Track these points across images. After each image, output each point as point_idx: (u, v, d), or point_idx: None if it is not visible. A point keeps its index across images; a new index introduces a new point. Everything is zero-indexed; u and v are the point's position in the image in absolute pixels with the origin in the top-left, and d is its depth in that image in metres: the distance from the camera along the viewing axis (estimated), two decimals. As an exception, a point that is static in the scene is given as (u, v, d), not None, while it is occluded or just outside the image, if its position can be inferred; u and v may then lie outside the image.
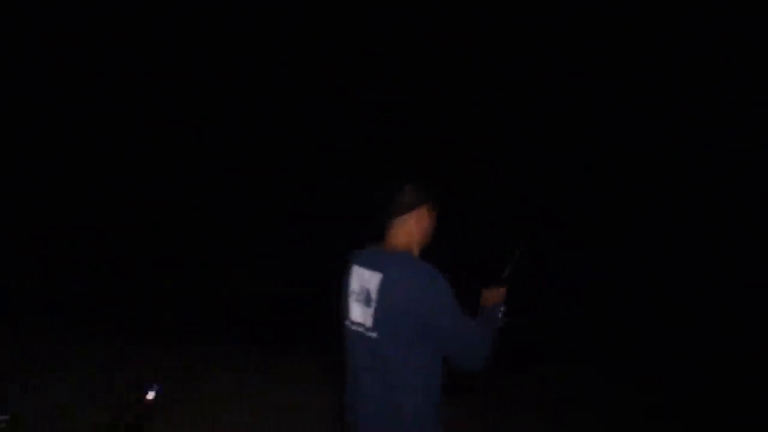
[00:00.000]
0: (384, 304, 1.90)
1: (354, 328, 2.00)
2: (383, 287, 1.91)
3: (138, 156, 7.64)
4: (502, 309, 2.23)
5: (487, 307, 2.17)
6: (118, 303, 8.16)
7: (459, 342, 1.90)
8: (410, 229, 2.03)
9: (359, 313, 1.98)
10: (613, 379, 5.92)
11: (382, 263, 1.95)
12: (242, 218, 8.45)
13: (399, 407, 1.89)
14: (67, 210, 8.72)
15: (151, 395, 3.45)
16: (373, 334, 1.92)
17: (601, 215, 6.62)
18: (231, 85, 7.34)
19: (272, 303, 8.91)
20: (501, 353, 2.09)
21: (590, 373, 6.03)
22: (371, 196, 2.12)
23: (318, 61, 7.18)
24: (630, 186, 6.67)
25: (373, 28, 6.72)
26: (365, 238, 2.16)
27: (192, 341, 6.55)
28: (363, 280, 1.98)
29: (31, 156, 8.28)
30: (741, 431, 4.75)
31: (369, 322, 1.93)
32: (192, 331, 7.10)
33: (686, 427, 4.81)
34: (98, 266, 8.73)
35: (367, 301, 1.95)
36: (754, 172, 5.88)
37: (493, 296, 2.22)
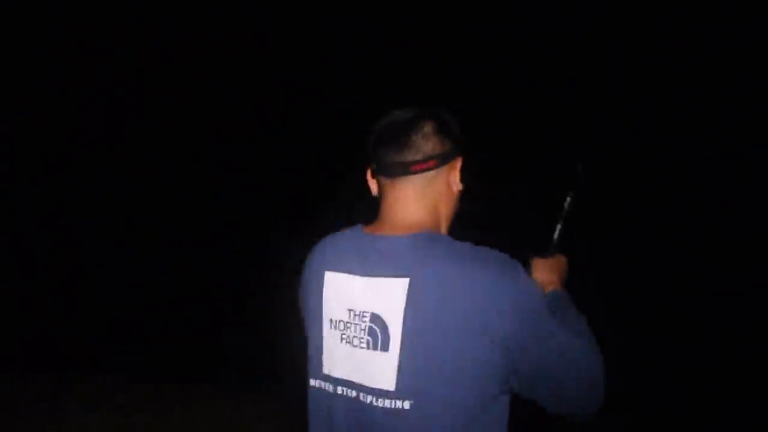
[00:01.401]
0: (418, 338, 1.06)
1: (342, 392, 1.15)
2: (417, 305, 1.06)
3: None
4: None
5: (555, 291, 1.33)
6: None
7: (569, 372, 1.10)
8: (439, 194, 1.19)
9: (355, 365, 1.13)
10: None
11: (398, 258, 1.10)
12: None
13: None
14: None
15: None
16: (398, 404, 1.07)
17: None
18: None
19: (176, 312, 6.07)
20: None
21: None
22: (361, 136, 1.28)
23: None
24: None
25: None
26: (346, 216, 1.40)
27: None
28: (355, 297, 1.13)
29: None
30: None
31: (385, 381, 1.08)
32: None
33: None
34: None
35: (374, 338, 1.10)
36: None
37: (556, 271, 1.39)
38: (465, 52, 6.00)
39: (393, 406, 1.07)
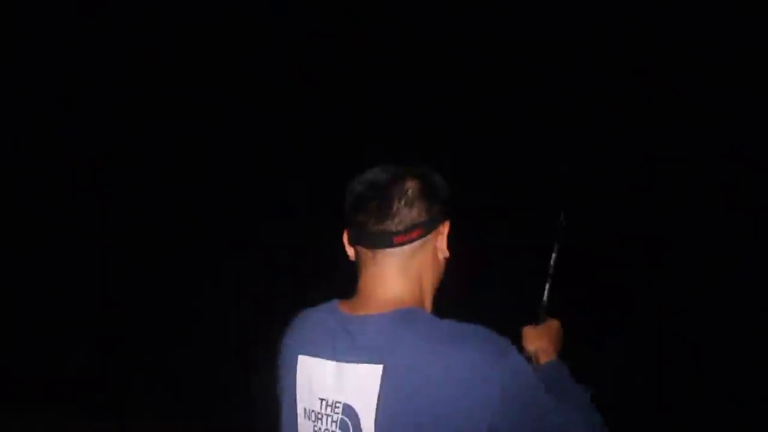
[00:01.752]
0: (395, 427, 0.96)
1: None
2: (392, 396, 0.96)
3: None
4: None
5: (551, 362, 1.25)
6: None
7: None
8: (423, 265, 1.08)
9: None
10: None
11: (372, 342, 1.00)
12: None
13: None
14: None
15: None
16: None
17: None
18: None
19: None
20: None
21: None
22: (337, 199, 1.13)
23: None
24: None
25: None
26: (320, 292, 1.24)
27: None
28: (327, 385, 1.03)
29: None
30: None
31: None
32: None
33: None
34: None
35: (345, 428, 1.00)
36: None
37: (550, 339, 1.30)
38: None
39: None
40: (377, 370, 0.96)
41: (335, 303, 1.11)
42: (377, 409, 0.95)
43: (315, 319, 1.10)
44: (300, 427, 1.07)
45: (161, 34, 5.95)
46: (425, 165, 1.13)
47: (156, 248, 5.96)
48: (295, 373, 1.08)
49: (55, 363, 5.19)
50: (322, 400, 1.03)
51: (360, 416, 0.97)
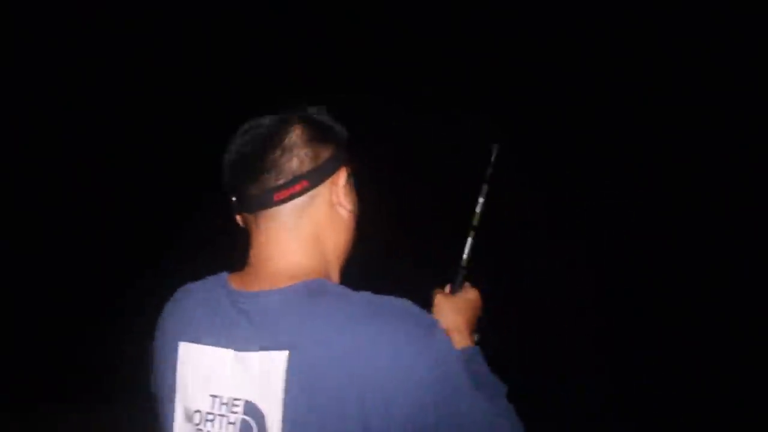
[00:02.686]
0: (305, 423, 0.79)
1: None
2: (301, 386, 0.79)
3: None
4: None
5: (466, 349, 1.05)
6: None
7: None
8: (319, 223, 0.91)
9: None
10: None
11: (273, 324, 0.83)
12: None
13: None
14: None
15: None
16: None
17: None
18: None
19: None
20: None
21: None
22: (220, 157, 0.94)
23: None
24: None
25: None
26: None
27: None
28: (222, 379, 0.85)
29: None
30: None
31: None
32: None
33: None
34: None
35: (245, 427, 0.82)
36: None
37: (463, 314, 1.11)
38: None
39: None
40: (282, 357, 0.80)
41: (224, 276, 0.93)
42: (284, 403, 0.80)
43: (200, 297, 0.92)
44: (177, 424, 0.89)
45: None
46: (317, 107, 0.96)
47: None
48: (175, 365, 0.89)
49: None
50: (214, 397, 0.86)
51: (264, 414, 0.81)
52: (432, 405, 0.81)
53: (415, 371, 0.80)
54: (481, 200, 1.26)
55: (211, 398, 0.86)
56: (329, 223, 0.92)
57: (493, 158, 1.28)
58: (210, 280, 0.95)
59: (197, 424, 0.87)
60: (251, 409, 0.83)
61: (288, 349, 0.81)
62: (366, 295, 0.85)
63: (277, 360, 0.81)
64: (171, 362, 0.91)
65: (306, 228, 0.90)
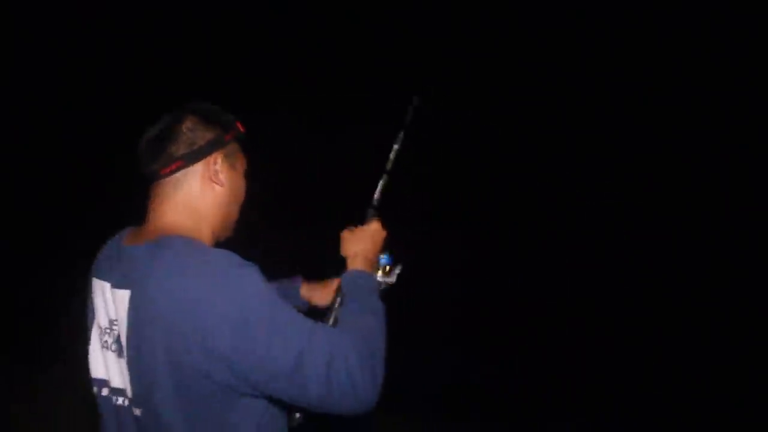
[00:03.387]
0: (138, 351, 1.04)
1: (106, 395, 1.14)
2: (133, 318, 1.04)
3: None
4: (385, 261, 1.32)
5: (354, 271, 1.23)
6: None
7: (305, 379, 0.99)
8: (190, 195, 1.13)
9: (112, 370, 1.12)
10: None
11: (132, 270, 1.07)
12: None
13: None
14: None
15: None
16: (137, 411, 1.06)
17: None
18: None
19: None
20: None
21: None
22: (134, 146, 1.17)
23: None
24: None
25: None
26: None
27: None
28: (107, 306, 1.12)
29: None
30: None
31: (127, 388, 1.08)
32: None
33: None
34: None
35: (118, 345, 1.09)
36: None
37: (363, 242, 1.27)
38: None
39: (132, 412, 1.07)
40: (126, 295, 1.05)
41: (125, 232, 1.19)
42: (127, 327, 1.05)
43: (107, 246, 1.20)
44: (92, 343, 1.16)
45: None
46: (210, 102, 1.18)
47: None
48: (92, 295, 1.17)
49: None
50: (108, 318, 1.12)
51: (120, 334, 1.08)
52: (231, 339, 0.97)
53: (213, 311, 0.98)
54: (396, 147, 1.36)
55: (105, 317, 1.12)
56: (202, 195, 1.14)
57: (411, 107, 1.39)
58: (117, 234, 1.20)
59: (101, 336, 1.14)
60: (117, 327, 1.09)
61: (130, 289, 1.05)
62: (204, 250, 1.06)
63: (124, 296, 1.06)
64: (89, 293, 1.18)
65: (180, 197, 1.13)
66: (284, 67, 5.92)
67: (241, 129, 1.19)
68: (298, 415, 1.14)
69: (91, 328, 1.17)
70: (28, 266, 5.72)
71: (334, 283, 1.41)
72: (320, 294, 1.47)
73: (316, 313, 1.28)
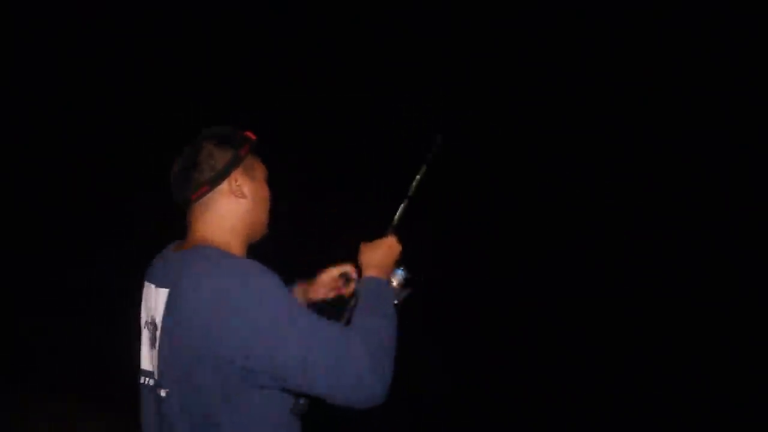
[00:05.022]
0: (168, 341, 1.20)
1: (144, 382, 1.31)
2: (168, 311, 1.21)
3: None
4: (400, 274, 1.42)
5: (370, 277, 1.36)
6: None
7: (315, 372, 1.12)
8: (220, 212, 1.29)
9: (147, 359, 1.30)
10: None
11: (170, 272, 1.25)
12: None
13: None
14: None
15: None
16: (161, 392, 1.22)
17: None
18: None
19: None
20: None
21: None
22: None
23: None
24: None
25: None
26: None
27: None
28: (149, 303, 1.30)
29: None
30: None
31: (156, 373, 1.24)
32: None
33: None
34: None
35: (154, 336, 1.26)
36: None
37: (380, 253, 1.40)
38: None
39: (159, 393, 1.21)
40: (165, 293, 1.21)
41: (174, 243, 1.36)
42: (162, 324, 1.20)
43: (159, 255, 1.37)
44: (143, 336, 1.32)
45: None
46: (226, 125, 1.33)
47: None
48: (143, 295, 1.33)
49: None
50: (149, 314, 1.28)
51: (156, 326, 1.23)
52: (244, 334, 1.10)
53: (229, 309, 1.12)
54: (418, 177, 1.53)
55: (149, 315, 1.28)
56: (228, 210, 1.28)
57: (434, 146, 1.55)
58: (169, 245, 1.37)
59: (145, 330, 1.30)
60: (154, 321, 1.24)
61: (168, 288, 1.21)
62: (233, 259, 1.21)
63: (163, 294, 1.22)
64: (141, 294, 1.35)
65: (210, 215, 1.28)
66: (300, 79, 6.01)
67: (253, 138, 1.32)
68: (302, 401, 1.22)
69: (141, 325, 1.33)
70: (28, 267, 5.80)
71: (325, 276, 1.55)
72: (314, 288, 1.57)
73: (328, 313, 1.37)
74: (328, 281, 1.55)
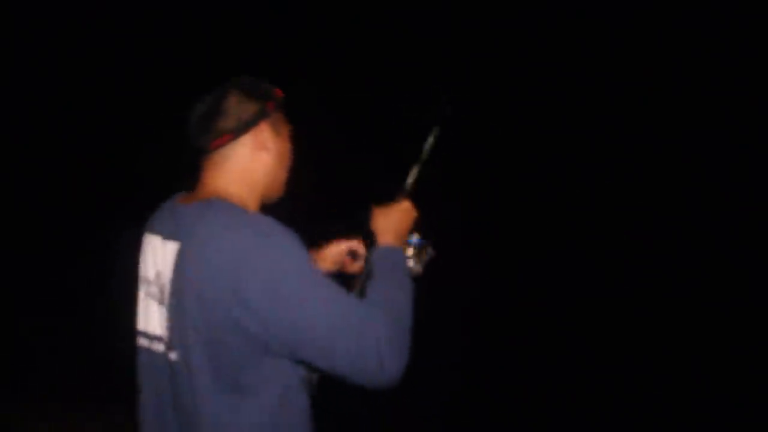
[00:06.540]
0: (179, 297, 1.11)
1: (145, 345, 1.22)
2: (178, 267, 1.13)
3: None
4: (415, 240, 1.37)
5: (386, 247, 1.29)
6: None
7: (334, 344, 1.04)
8: (240, 165, 1.21)
9: (154, 319, 1.19)
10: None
11: (181, 225, 1.16)
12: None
13: None
14: None
15: None
16: (172, 356, 1.13)
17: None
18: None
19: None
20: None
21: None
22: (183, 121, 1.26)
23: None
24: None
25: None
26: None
27: None
28: (156, 257, 1.20)
29: None
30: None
31: (163, 333, 1.16)
32: None
33: None
34: None
35: (161, 294, 1.17)
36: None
37: (395, 218, 1.33)
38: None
39: (168, 357, 1.14)
40: (174, 246, 1.14)
41: (180, 194, 1.27)
42: (172, 278, 1.13)
43: (163, 206, 1.28)
44: (143, 293, 1.24)
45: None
46: (252, 77, 1.26)
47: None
48: (144, 252, 1.25)
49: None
50: (155, 268, 1.20)
51: (164, 282, 1.16)
52: (263, 292, 1.04)
53: (248, 264, 1.05)
54: (430, 139, 1.47)
55: (153, 269, 1.20)
56: (251, 164, 1.22)
57: (444, 105, 1.51)
58: (173, 196, 1.28)
59: (148, 287, 1.22)
60: (162, 277, 1.16)
61: (178, 241, 1.14)
62: (246, 213, 1.14)
63: (173, 247, 1.14)
64: (141, 248, 1.27)
65: (230, 166, 1.20)
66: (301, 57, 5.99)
67: (281, 95, 1.26)
68: (314, 376, 1.18)
69: (139, 281, 1.24)
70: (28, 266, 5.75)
71: (333, 248, 1.50)
72: (318, 259, 1.50)
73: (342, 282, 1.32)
74: (334, 254, 1.50)
